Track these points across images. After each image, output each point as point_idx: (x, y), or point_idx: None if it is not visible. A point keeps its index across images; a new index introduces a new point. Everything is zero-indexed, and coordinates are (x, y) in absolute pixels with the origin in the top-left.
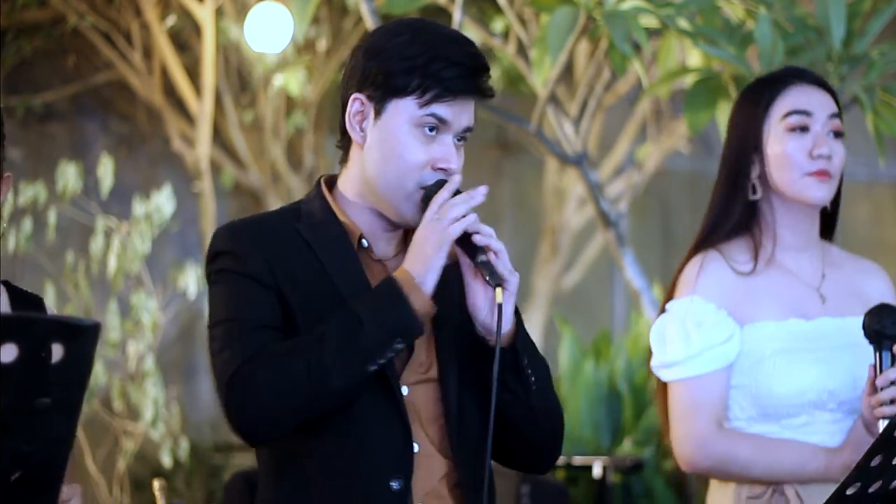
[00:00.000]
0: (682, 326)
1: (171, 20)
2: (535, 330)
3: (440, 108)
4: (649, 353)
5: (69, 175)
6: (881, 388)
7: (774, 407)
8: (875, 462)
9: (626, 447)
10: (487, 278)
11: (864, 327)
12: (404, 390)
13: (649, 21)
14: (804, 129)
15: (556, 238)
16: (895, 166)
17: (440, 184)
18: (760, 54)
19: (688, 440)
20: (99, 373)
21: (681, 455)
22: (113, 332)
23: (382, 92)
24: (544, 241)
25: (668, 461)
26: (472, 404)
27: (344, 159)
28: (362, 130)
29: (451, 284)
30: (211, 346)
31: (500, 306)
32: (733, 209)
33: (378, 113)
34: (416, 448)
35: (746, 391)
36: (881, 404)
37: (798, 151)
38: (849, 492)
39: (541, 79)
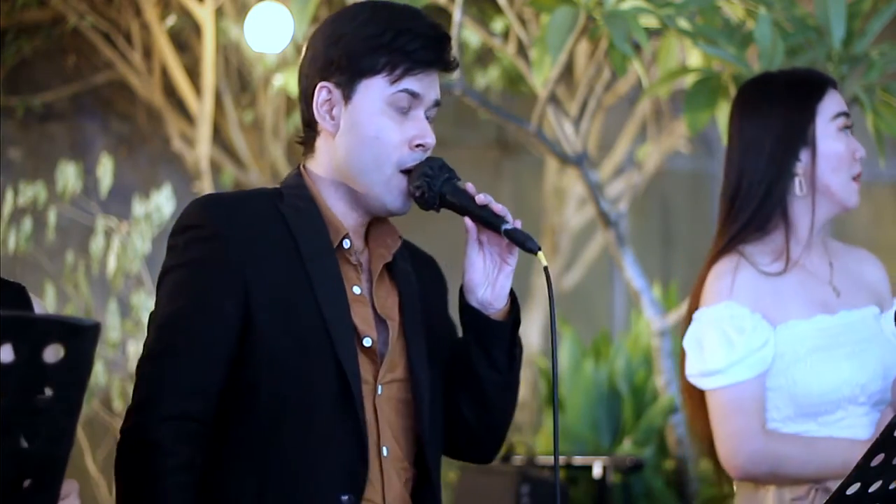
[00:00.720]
0: (722, 333)
1: (171, 20)
2: (534, 329)
3: (411, 83)
4: (682, 362)
5: (69, 175)
6: None
7: (813, 405)
8: (875, 462)
9: (626, 447)
10: (522, 244)
11: None
12: (379, 389)
13: (649, 21)
14: (848, 129)
15: (556, 238)
16: (895, 166)
17: (423, 164)
18: (760, 54)
19: (740, 447)
20: (99, 373)
21: (733, 462)
22: (113, 332)
23: (349, 76)
24: (544, 241)
25: (668, 461)
26: (438, 405)
27: (309, 149)
28: (332, 118)
29: (410, 279)
30: (144, 348)
31: (546, 269)
32: (773, 215)
33: (347, 98)
34: (385, 452)
35: (783, 392)
36: None
37: (848, 153)
38: (849, 492)
39: (541, 79)
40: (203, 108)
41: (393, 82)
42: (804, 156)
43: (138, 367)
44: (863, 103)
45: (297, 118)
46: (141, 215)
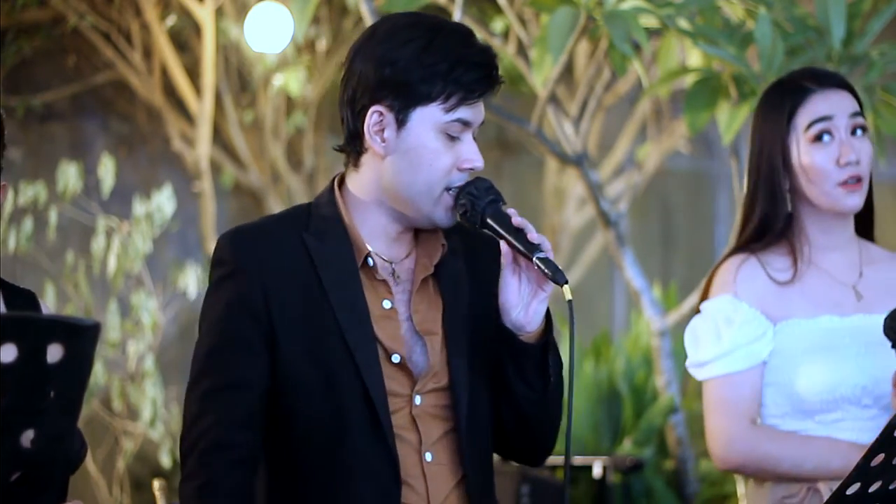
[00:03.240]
0: (713, 325)
1: (171, 20)
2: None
3: (464, 112)
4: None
5: (69, 175)
6: None
7: (807, 403)
8: (875, 462)
9: (626, 447)
10: (552, 276)
11: (885, 328)
12: (417, 399)
13: (649, 21)
14: (827, 135)
15: (556, 238)
16: (895, 166)
17: (471, 183)
18: (760, 54)
19: (719, 438)
20: (99, 373)
21: (714, 453)
22: (113, 332)
23: (404, 101)
24: None
25: (668, 461)
26: (483, 410)
27: (353, 163)
28: (384, 141)
29: (459, 286)
30: (185, 402)
31: (570, 303)
32: (776, 222)
33: (401, 123)
34: (428, 458)
35: (780, 388)
36: None
37: (826, 162)
38: (849, 492)
39: (541, 79)
40: (203, 108)
41: (448, 111)
42: (785, 173)
43: (185, 405)
44: (863, 103)
45: (297, 118)
46: (141, 215)
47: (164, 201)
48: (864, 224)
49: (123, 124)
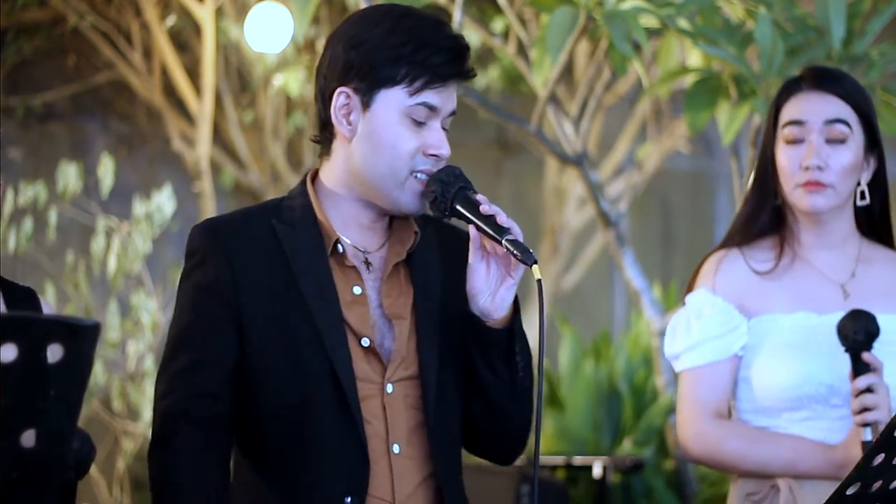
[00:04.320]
0: (686, 318)
1: (171, 20)
2: (534, 329)
3: (430, 96)
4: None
5: (69, 175)
6: (854, 397)
7: (772, 400)
8: (876, 462)
9: (626, 447)
10: (520, 257)
11: (837, 332)
12: (388, 388)
13: (649, 21)
14: (800, 140)
15: (556, 238)
16: (895, 166)
17: (441, 171)
18: (760, 54)
19: (683, 430)
20: (99, 373)
21: (681, 443)
22: (113, 332)
23: (369, 83)
24: (544, 241)
25: (668, 461)
26: (453, 404)
27: (325, 151)
28: (349, 123)
29: (431, 275)
30: (158, 377)
31: (539, 282)
32: (761, 213)
33: (366, 105)
34: (395, 450)
35: (748, 384)
36: (856, 412)
37: (791, 162)
38: (849, 492)
39: (541, 79)
40: (203, 108)
41: (412, 94)
42: (773, 167)
43: (156, 382)
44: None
45: (297, 118)
46: (141, 215)
47: (163, 201)
48: (872, 225)
49: (123, 124)
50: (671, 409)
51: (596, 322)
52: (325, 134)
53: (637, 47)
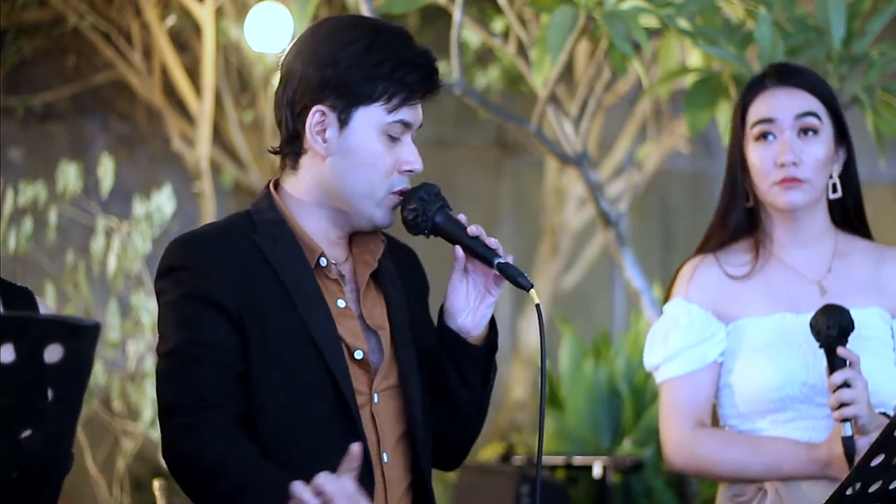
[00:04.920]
0: (663, 329)
1: (171, 20)
2: (533, 330)
3: (406, 113)
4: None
5: (69, 175)
6: (831, 392)
7: (756, 403)
8: (875, 462)
9: (626, 447)
10: (515, 281)
11: (811, 328)
12: (375, 398)
13: (649, 21)
14: (770, 135)
15: (556, 238)
16: (895, 166)
17: (420, 188)
18: (760, 54)
19: (667, 441)
20: (99, 373)
21: (665, 456)
22: (113, 332)
23: (346, 101)
24: (544, 241)
25: None
26: (426, 407)
27: (291, 165)
28: (325, 141)
29: (395, 283)
30: (157, 376)
31: (538, 307)
32: (732, 216)
33: (343, 122)
34: (385, 458)
35: (730, 389)
36: (833, 408)
37: (765, 161)
38: (849, 492)
39: (541, 79)
40: (203, 108)
41: (390, 111)
42: (743, 168)
43: (159, 394)
44: (863, 103)
45: None
46: (141, 215)
47: (163, 201)
48: (846, 217)
49: (123, 124)
50: None
51: (596, 322)
52: (293, 147)
53: (637, 47)
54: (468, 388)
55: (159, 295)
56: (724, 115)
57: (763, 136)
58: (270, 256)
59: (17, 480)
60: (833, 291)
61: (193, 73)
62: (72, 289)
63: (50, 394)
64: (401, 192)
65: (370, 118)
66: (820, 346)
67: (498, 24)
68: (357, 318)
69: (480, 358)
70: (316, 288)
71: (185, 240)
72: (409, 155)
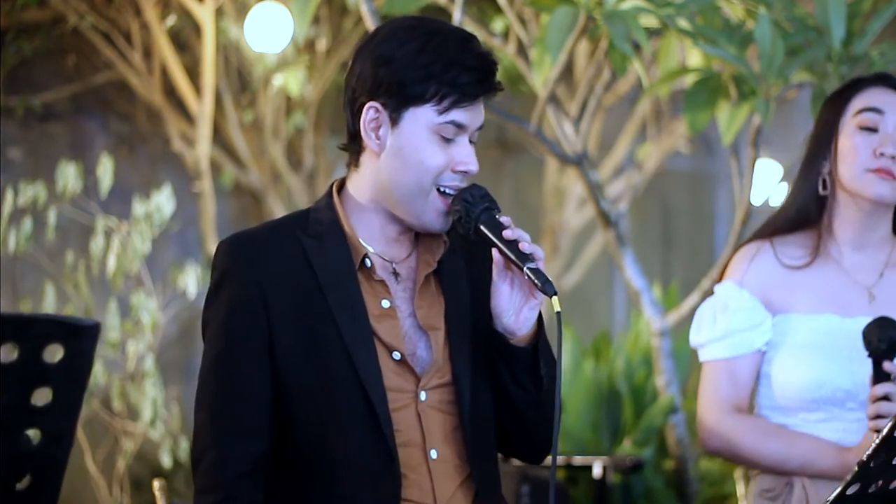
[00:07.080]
0: (712, 311)
1: (171, 20)
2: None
3: (458, 114)
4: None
5: (69, 175)
6: (871, 402)
7: (788, 399)
8: (875, 462)
9: (626, 447)
10: (541, 287)
11: (863, 336)
12: (422, 395)
13: (649, 21)
14: (874, 129)
15: (556, 238)
16: None
17: (466, 190)
18: (760, 54)
19: (703, 422)
20: (98, 373)
21: (700, 435)
22: (113, 332)
23: (398, 100)
24: (544, 241)
25: (668, 461)
26: (486, 406)
27: (354, 163)
28: (378, 138)
29: (460, 283)
30: (195, 414)
31: (559, 314)
32: (799, 201)
33: (395, 121)
34: (433, 455)
35: (768, 381)
36: (870, 418)
37: (864, 147)
38: (849, 492)
39: (541, 79)
40: (203, 108)
41: (441, 112)
42: (828, 154)
43: (195, 411)
44: None
45: (297, 118)
46: (141, 215)
47: (163, 201)
48: None
49: (123, 124)
50: (671, 409)
51: (596, 322)
52: (354, 145)
53: (637, 47)
54: (520, 387)
55: (207, 297)
56: (723, 115)
57: (867, 125)
58: (313, 257)
59: (17, 480)
60: (881, 300)
61: (193, 73)
62: (72, 289)
63: (50, 394)
64: (446, 193)
65: (421, 118)
66: (868, 356)
67: (498, 24)
68: (408, 316)
69: (526, 359)
70: (355, 289)
71: (231, 241)
72: (463, 156)
